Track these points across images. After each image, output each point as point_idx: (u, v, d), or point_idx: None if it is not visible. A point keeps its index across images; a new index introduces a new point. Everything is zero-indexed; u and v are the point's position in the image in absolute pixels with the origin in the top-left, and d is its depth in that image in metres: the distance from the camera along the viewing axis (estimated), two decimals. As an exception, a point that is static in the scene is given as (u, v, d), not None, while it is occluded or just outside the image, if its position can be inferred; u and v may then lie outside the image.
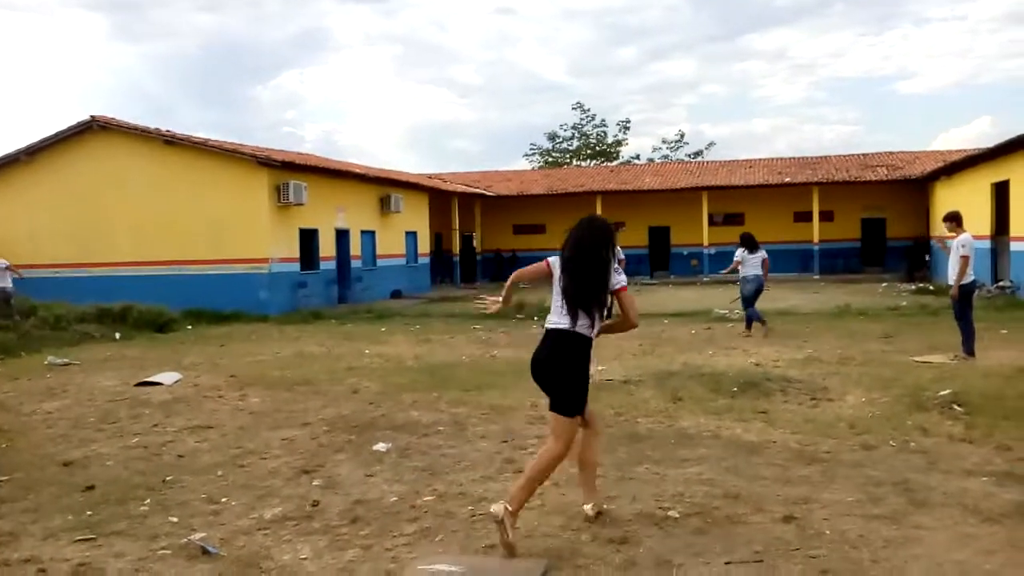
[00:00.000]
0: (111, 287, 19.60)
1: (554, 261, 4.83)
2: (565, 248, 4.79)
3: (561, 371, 4.61)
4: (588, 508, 4.82)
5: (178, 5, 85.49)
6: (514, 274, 5.04)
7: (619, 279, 4.80)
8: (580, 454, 4.82)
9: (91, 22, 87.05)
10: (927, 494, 5.10)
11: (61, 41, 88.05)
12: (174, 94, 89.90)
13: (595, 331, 4.70)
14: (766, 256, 13.83)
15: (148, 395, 9.46)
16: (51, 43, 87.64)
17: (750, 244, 13.97)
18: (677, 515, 4.82)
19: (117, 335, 15.94)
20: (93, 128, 21.53)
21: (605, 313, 4.75)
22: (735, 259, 14.03)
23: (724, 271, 15.17)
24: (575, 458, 4.85)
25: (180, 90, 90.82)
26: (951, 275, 10.55)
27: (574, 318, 4.60)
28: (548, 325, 4.74)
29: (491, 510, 4.36)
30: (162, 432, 7.60)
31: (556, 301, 4.72)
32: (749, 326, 13.80)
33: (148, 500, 5.46)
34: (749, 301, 13.81)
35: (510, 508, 4.32)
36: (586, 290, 4.64)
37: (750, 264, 13.81)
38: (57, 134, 21.71)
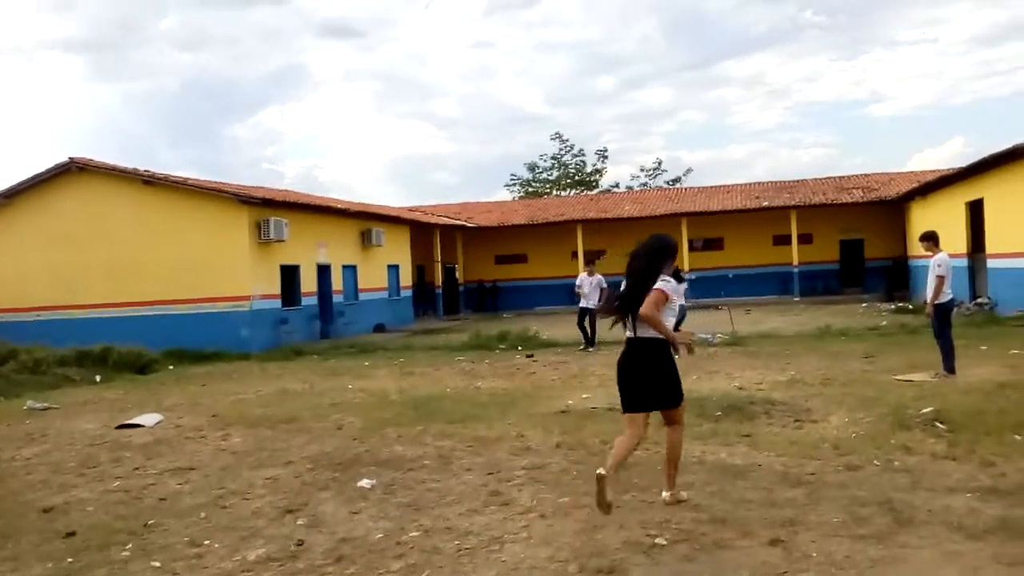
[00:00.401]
0: (91, 329, 19.44)
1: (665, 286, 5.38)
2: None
3: (656, 373, 5.35)
4: (666, 495, 5.55)
5: (157, 45, 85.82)
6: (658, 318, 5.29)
7: (657, 284, 5.27)
8: (628, 447, 5.38)
9: (69, 63, 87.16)
10: (912, 512, 5.11)
11: (40, 83, 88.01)
12: (154, 133, 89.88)
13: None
14: (687, 286, 14.73)
15: (129, 438, 9.36)
16: (30, 85, 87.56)
17: (678, 277, 14.76)
18: (664, 542, 4.81)
19: (97, 378, 15.78)
20: (72, 169, 21.46)
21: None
22: (672, 292, 14.88)
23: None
24: (625, 452, 5.35)
25: (160, 129, 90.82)
26: (928, 294, 10.67)
27: (638, 325, 5.28)
28: (626, 336, 5.45)
29: (664, 496, 5.46)
30: (143, 475, 7.51)
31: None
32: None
33: (130, 545, 5.39)
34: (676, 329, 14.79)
35: (668, 494, 5.49)
36: (629, 299, 5.29)
37: (680, 295, 14.31)
38: (35, 176, 21.62)
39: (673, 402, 5.43)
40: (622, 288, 5.40)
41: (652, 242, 5.51)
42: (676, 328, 14.53)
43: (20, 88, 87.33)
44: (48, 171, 21.58)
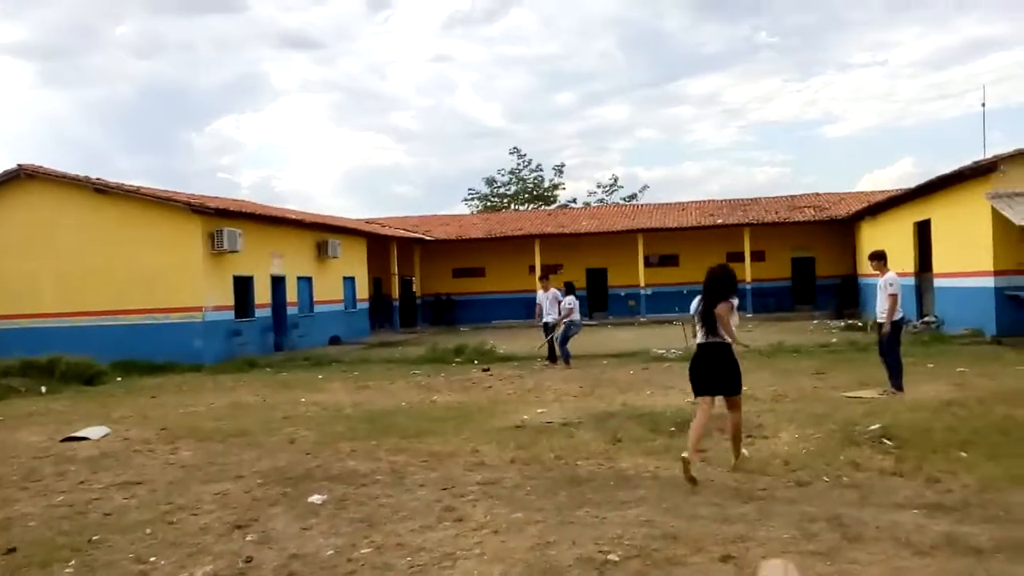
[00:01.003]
0: (39, 339, 18.96)
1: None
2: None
3: (725, 368, 6.95)
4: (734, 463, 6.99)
5: (110, 52, 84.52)
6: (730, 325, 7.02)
7: (724, 304, 6.97)
8: (701, 425, 6.93)
9: (18, 68, 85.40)
10: (860, 528, 5.19)
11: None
12: (107, 141, 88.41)
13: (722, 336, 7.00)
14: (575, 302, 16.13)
15: (74, 451, 9.14)
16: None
17: (572, 291, 16.49)
18: (617, 558, 4.82)
19: (43, 389, 15.41)
20: (20, 177, 21.00)
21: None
22: (568, 307, 15.96)
23: (561, 318, 16.27)
24: (700, 431, 6.90)
25: (114, 137, 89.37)
26: (879, 313, 10.84)
27: (710, 332, 6.96)
28: (698, 342, 7.11)
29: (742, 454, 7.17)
30: (88, 489, 7.34)
31: (697, 326, 7.11)
32: (568, 361, 15.89)
33: (73, 562, 5.25)
34: (567, 341, 16.05)
35: (736, 461, 7.02)
36: (707, 314, 7.00)
37: (576, 309, 16.04)
38: (-18, 183, 21.10)
39: (735, 390, 7.00)
40: (697, 305, 7.13)
41: (720, 271, 7.26)
42: (565, 341, 15.56)
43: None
44: (-4, 178, 21.08)
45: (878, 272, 10.94)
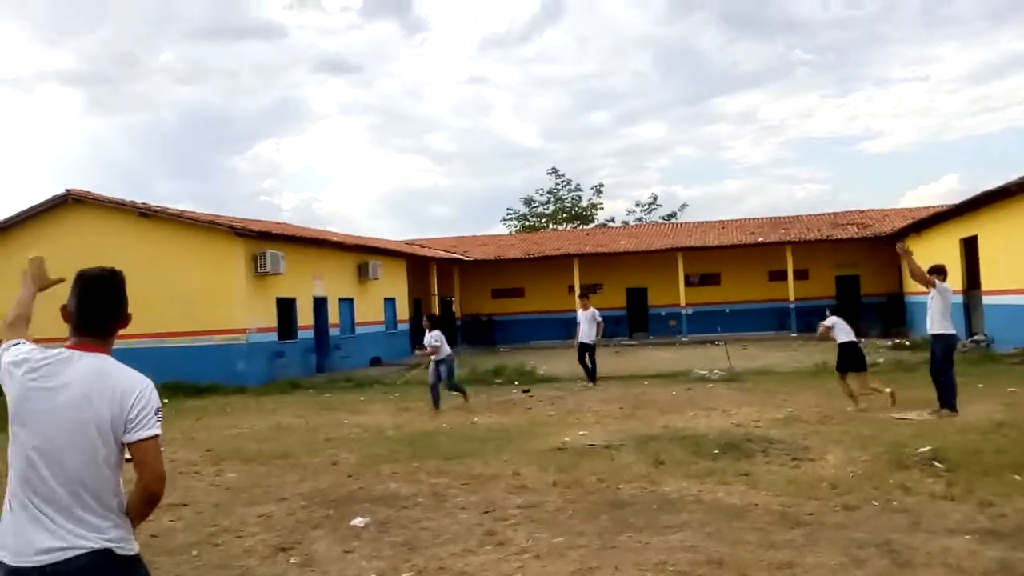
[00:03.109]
0: (85, 361, 19.29)
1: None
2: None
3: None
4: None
5: (154, 78, 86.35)
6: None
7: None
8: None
9: (67, 96, 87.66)
10: (911, 554, 5.07)
11: (38, 115, 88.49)
12: (152, 166, 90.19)
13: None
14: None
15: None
16: (28, 117, 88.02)
17: (437, 324, 14.65)
18: (661, 584, 4.76)
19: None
20: (68, 202, 21.50)
21: None
22: (435, 343, 13.83)
23: (424, 353, 14.46)
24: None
25: (158, 162, 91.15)
26: (932, 326, 10.62)
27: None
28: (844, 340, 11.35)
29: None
30: (135, 511, 7.42)
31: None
32: (465, 396, 14.20)
33: (120, 584, 5.31)
34: (453, 375, 14.26)
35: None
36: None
37: (443, 345, 13.98)
38: (32, 208, 21.65)
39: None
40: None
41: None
42: (450, 375, 13.93)
43: (19, 120, 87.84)
44: (45, 203, 21.61)
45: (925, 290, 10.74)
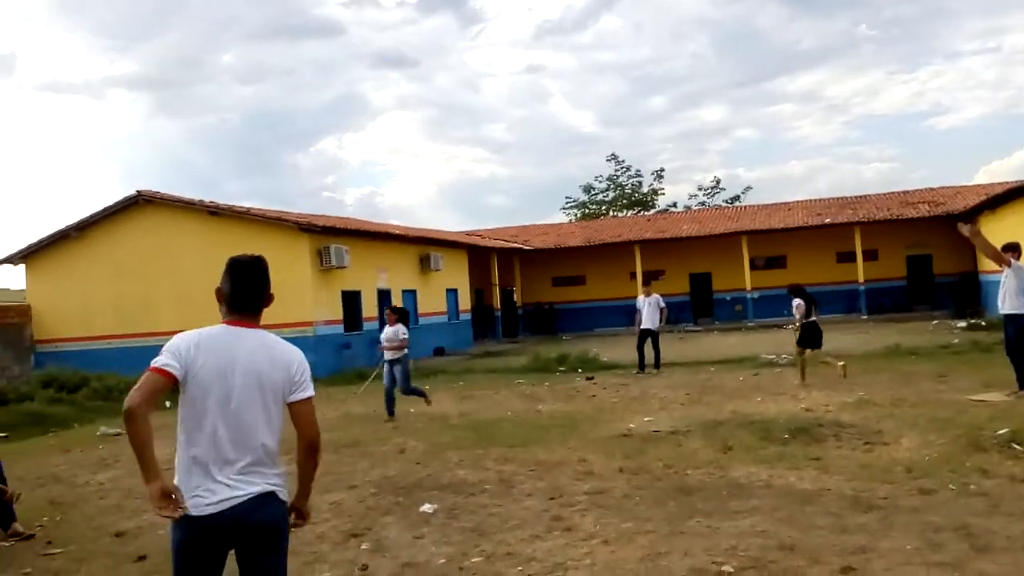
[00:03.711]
0: (159, 357, 19.87)
1: None
2: None
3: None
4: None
5: (218, 80, 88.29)
6: None
7: None
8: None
9: (135, 100, 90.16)
10: (989, 539, 4.93)
11: (107, 120, 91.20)
12: (218, 166, 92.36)
13: None
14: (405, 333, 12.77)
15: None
16: (98, 122, 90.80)
17: (405, 319, 13.34)
18: (731, 570, 4.72)
19: (167, 404, 16.11)
20: (139, 202, 22.16)
21: None
22: (403, 336, 12.67)
23: (392, 347, 12.76)
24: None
25: (223, 161, 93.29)
26: (1004, 305, 10.30)
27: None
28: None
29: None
30: (212, 500, 7.63)
31: None
32: (423, 394, 12.85)
33: (199, 569, 5.47)
34: (408, 378, 12.88)
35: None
36: None
37: (407, 340, 12.89)
38: (105, 209, 22.38)
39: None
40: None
41: None
42: (405, 383, 12.14)
43: (91, 125, 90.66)
44: (117, 204, 22.33)
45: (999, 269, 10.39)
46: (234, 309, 3.19)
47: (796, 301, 13.43)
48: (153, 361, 3.03)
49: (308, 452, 3.24)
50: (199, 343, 3.07)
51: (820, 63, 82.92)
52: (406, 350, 12.77)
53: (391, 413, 12.52)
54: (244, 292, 3.21)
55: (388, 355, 12.75)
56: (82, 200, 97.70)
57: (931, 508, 5.68)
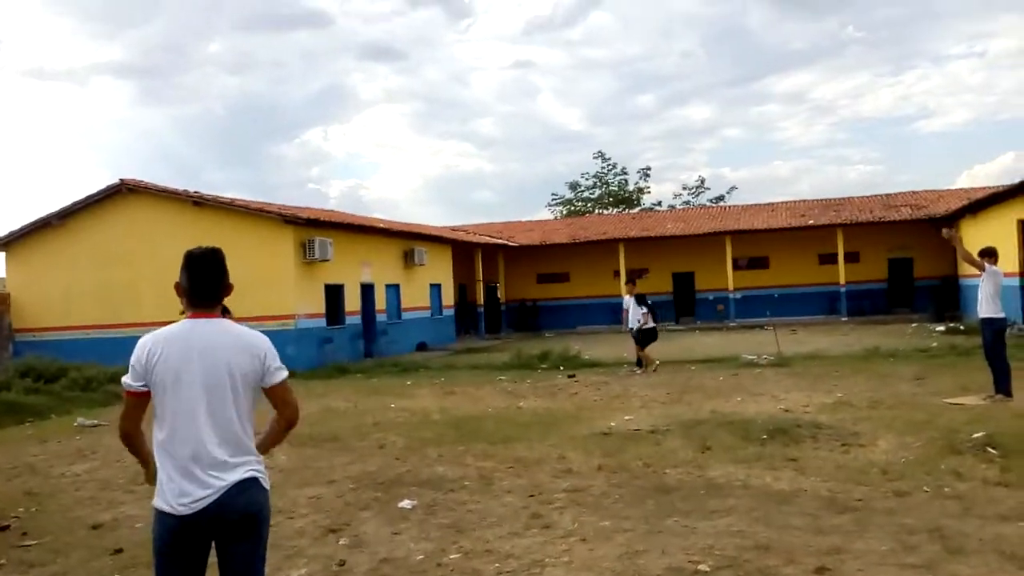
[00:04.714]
0: (140, 347, 19.76)
1: None
2: None
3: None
4: None
5: (203, 69, 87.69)
6: None
7: None
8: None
9: (119, 88, 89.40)
10: (962, 541, 4.99)
11: (91, 107, 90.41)
12: (202, 155, 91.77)
13: None
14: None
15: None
16: (81, 109, 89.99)
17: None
18: (707, 569, 4.75)
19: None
20: (122, 191, 21.99)
21: None
22: None
23: None
24: None
25: (207, 151, 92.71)
26: (981, 309, 10.41)
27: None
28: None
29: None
30: (190, 492, 7.60)
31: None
32: None
33: (176, 562, 5.45)
34: None
35: None
36: None
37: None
38: (88, 198, 22.19)
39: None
40: None
41: None
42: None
43: (74, 112, 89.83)
44: (100, 192, 22.16)
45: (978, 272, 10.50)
46: (194, 302, 3.24)
47: (643, 308, 16.04)
48: (123, 383, 3.18)
49: (284, 429, 3.36)
50: (158, 342, 3.14)
51: (808, 64, 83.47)
52: None
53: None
54: (202, 284, 3.26)
55: None
56: (64, 188, 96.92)
57: (906, 510, 5.74)
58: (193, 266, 3.28)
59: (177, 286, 3.29)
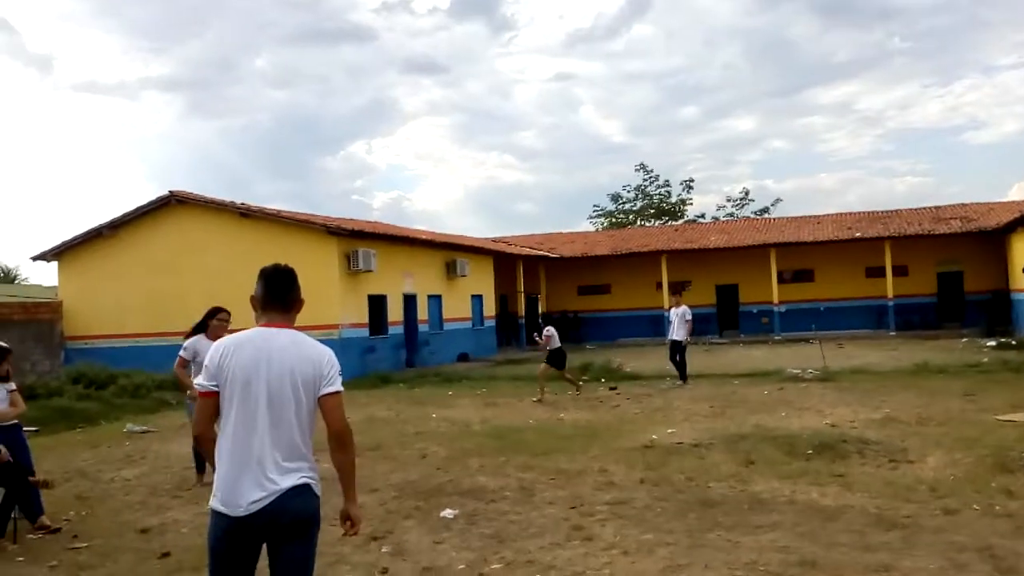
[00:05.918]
0: (188, 355, 20.11)
1: None
2: None
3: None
4: None
5: (251, 82, 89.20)
6: None
7: None
8: None
9: (169, 101, 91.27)
10: (1014, 560, 4.88)
11: (141, 120, 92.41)
12: (248, 167, 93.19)
13: None
14: None
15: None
16: (132, 122, 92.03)
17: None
18: (751, 584, 4.70)
19: (173, 402, 16.30)
20: (171, 202, 22.44)
21: None
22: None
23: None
24: None
25: (254, 163, 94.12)
26: None
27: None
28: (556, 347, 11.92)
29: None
30: (235, 499, 7.70)
31: None
32: None
33: (221, 567, 5.53)
34: None
35: None
36: None
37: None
38: (138, 209, 22.68)
39: None
40: None
41: None
42: None
43: (124, 125, 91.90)
44: (150, 204, 22.64)
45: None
46: (266, 312, 3.40)
47: (549, 330, 15.91)
48: (196, 385, 3.36)
49: (338, 445, 3.35)
50: (230, 344, 3.28)
51: (853, 75, 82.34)
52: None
53: (201, 471, 8.56)
54: (273, 294, 3.42)
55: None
56: (115, 199, 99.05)
57: (955, 528, 5.63)
58: (268, 279, 3.46)
59: (252, 299, 3.46)
